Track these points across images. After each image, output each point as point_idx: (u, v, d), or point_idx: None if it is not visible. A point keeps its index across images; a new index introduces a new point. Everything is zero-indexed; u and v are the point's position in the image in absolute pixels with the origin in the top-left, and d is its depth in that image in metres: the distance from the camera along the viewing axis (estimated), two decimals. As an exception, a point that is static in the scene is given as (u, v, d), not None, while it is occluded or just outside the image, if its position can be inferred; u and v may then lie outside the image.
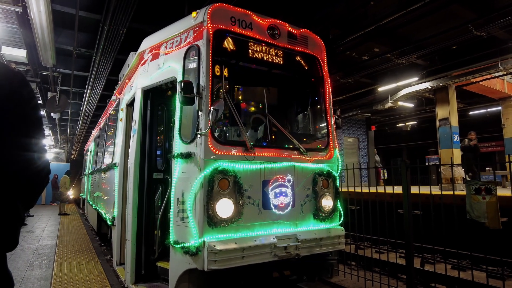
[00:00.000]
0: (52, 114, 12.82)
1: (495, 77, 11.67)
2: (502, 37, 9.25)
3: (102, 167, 7.50)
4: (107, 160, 7.01)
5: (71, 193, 18.02)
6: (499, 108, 14.07)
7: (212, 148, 3.33)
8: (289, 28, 4.22)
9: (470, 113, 17.84)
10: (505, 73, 10.54)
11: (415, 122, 20.68)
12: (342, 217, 4.27)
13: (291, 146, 4.02)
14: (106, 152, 7.51)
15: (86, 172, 13.20)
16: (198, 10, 3.73)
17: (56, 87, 10.99)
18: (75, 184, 22.86)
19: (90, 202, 10.17)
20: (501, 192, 4.26)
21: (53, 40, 6.93)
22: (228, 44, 3.70)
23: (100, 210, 7.36)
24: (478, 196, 3.96)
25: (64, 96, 11.48)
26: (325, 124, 4.48)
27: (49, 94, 11.35)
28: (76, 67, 10.04)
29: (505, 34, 9.09)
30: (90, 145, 12.55)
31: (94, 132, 11.76)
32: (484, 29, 7.83)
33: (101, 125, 9.29)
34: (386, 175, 16.99)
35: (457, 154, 11.74)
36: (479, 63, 9.83)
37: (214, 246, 3.08)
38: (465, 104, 15.94)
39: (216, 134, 3.50)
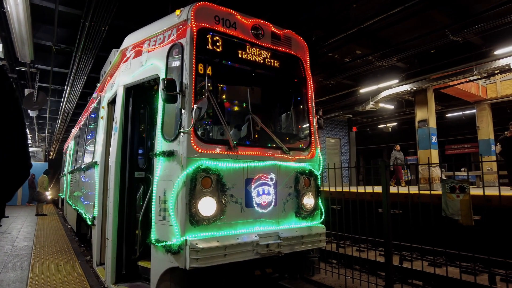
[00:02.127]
0: (29, 112, 12.39)
1: (470, 81, 12.13)
2: (477, 42, 9.64)
3: (82, 166, 7.34)
4: (88, 159, 6.86)
5: (49, 193, 17.49)
6: (474, 111, 14.63)
7: (195, 147, 3.33)
8: (273, 29, 4.26)
9: (447, 115, 18.43)
10: (479, 77, 10.97)
11: (395, 124, 21.19)
12: (323, 215, 4.34)
13: (274, 145, 4.07)
14: (87, 151, 7.35)
15: (65, 172, 12.86)
16: (182, 8, 3.72)
17: (34, 84, 10.63)
18: (53, 184, 22.21)
19: (70, 202, 9.92)
20: (475, 191, 4.44)
21: (31, 35, 6.72)
22: (212, 43, 3.70)
23: (79, 210, 7.20)
24: (453, 194, 4.12)
25: (43, 93, 11.12)
26: (308, 124, 4.55)
27: (27, 91, 10.96)
28: (55, 63, 9.76)
29: (479, 39, 9.47)
30: (70, 144, 12.24)
31: (74, 131, 11.47)
32: (460, 35, 8.13)
33: (82, 123, 9.08)
34: (409, 175, 14.90)
35: (434, 154, 12.11)
36: (456, 67, 10.19)
37: (196, 244, 3.08)
38: (442, 106, 16.46)
39: (199, 133, 3.51)
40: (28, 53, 7.46)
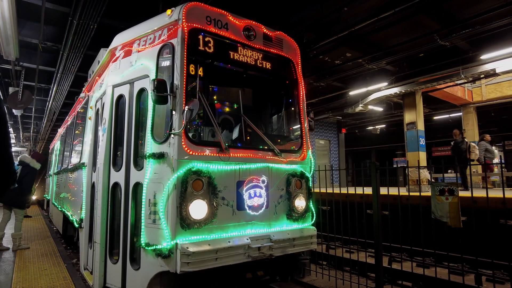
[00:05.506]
0: (14, 111, 12.08)
1: (456, 84, 12.36)
2: (464, 47, 9.84)
3: (69, 167, 7.19)
4: (75, 160, 6.72)
5: (33, 194, 17.06)
6: (460, 113, 14.92)
7: (185, 149, 3.28)
8: (265, 30, 4.25)
9: (434, 118, 18.74)
10: (466, 81, 11.20)
11: (384, 126, 21.42)
12: (315, 217, 4.34)
13: (266, 147, 4.04)
14: (74, 152, 7.21)
15: (51, 172, 12.58)
16: (173, 8, 3.67)
17: (19, 82, 10.36)
18: (38, 184, 21.71)
19: (56, 204, 9.70)
20: (460, 193, 4.51)
21: (16, 32, 6.53)
22: (203, 43, 3.66)
23: (66, 212, 7.05)
24: (442, 197, 4.17)
25: (28, 91, 10.85)
26: (299, 126, 4.55)
27: (11, 89, 10.68)
28: (41, 61, 9.53)
29: (466, 44, 9.67)
30: (56, 144, 11.98)
31: (61, 131, 11.24)
32: (448, 39, 8.29)
33: (69, 123, 8.90)
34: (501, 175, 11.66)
35: (423, 156, 12.28)
36: (443, 71, 10.38)
37: (187, 248, 3.04)
38: (430, 109, 16.73)
39: (190, 134, 3.46)
40: (13, 51, 7.25)
